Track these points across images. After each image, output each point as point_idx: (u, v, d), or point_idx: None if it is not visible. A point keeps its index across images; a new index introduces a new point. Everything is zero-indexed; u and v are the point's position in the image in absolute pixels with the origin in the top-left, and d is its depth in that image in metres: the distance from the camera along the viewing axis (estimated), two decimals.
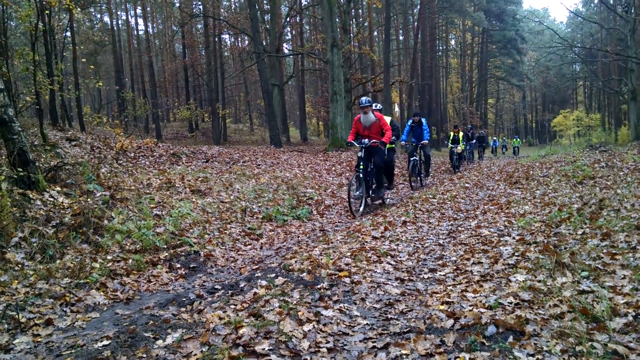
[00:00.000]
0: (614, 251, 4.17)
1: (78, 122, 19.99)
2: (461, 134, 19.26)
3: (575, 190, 8.40)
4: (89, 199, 6.16)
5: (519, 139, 38.63)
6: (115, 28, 35.41)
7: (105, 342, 3.06)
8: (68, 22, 19.37)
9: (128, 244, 5.40)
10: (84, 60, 29.13)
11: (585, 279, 3.64)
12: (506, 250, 4.83)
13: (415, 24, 35.53)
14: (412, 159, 12.81)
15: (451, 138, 19.27)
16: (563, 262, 3.98)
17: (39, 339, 3.20)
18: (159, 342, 3.04)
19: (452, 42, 58.17)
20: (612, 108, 51.32)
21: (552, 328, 2.85)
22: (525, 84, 59.16)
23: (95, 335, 3.23)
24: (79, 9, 19.01)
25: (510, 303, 3.31)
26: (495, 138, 39.44)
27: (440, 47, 50.89)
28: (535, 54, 58.18)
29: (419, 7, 35.34)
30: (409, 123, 13.64)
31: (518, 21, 50.89)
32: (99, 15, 41.83)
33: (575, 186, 8.97)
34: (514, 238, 5.37)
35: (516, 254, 4.63)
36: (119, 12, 41.55)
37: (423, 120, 13.39)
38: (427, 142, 13.11)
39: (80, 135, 13.38)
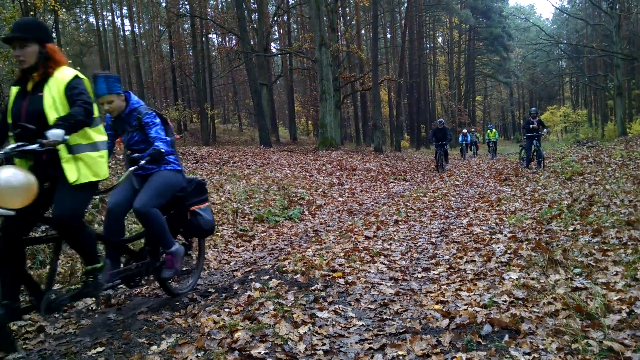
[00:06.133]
0: (605, 247, 4.21)
1: None
2: None
3: (565, 186, 8.47)
4: None
5: (494, 130, 25.93)
6: (101, 29, 35.13)
7: (99, 349, 3.03)
8: (53, 23, 19.16)
9: None
10: (70, 61, 28.79)
11: (578, 276, 3.67)
12: (498, 248, 4.86)
13: (403, 22, 35.58)
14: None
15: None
16: (555, 259, 4.01)
17: (31, 347, 3.16)
18: (154, 347, 3.01)
19: (440, 39, 58.30)
20: (598, 104, 51.77)
21: (547, 326, 2.86)
22: (513, 81, 59.46)
23: (88, 342, 3.19)
24: (64, 10, 18.82)
25: (505, 301, 3.33)
26: (465, 130, 28.14)
27: (428, 45, 51.00)
28: (521, 51, 58.45)
29: (406, 5, 35.41)
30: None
31: (504, 18, 51.12)
32: (84, 16, 41.42)
33: (565, 182, 9.05)
34: (505, 235, 5.41)
35: (508, 251, 4.66)
36: (104, 13, 41.11)
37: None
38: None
39: None
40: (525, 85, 65.13)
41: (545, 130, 13.20)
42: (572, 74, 50.81)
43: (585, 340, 2.60)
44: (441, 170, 17.14)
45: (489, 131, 25.87)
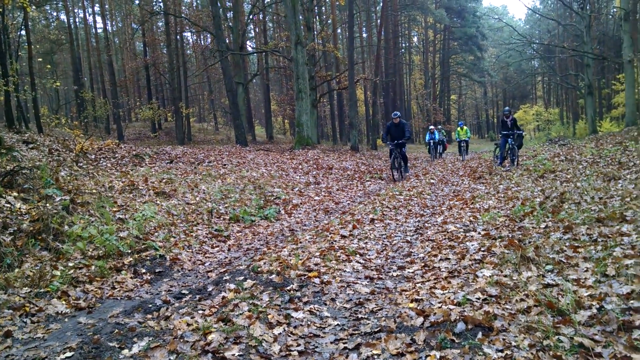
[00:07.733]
0: (576, 244, 4.28)
1: (35, 123, 19.33)
2: None
3: (537, 184, 8.59)
4: (47, 204, 5.95)
5: (465, 128, 21.88)
6: (72, 26, 34.39)
7: (69, 354, 2.95)
8: (22, 21, 18.72)
9: (90, 250, 5.24)
10: (40, 59, 28.30)
11: (549, 273, 3.72)
12: (472, 245, 4.90)
13: (379, 21, 35.75)
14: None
15: None
16: (528, 256, 4.05)
17: None
18: (125, 351, 2.95)
19: (415, 39, 58.84)
20: (569, 102, 52.92)
21: (519, 323, 2.89)
22: (486, 80, 60.28)
23: (57, 347, 3.11)
24: (33, 7, 18.41)
25: (478, 299, 3.35)
26: (432, 127, 23.72)
27: (403, 44, 51.41)
28: (495, 51, 59.43)
29: (381, 4, 35.59)
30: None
31: (478, 18, 51.79)
32: (55, 13, 40.56)
33: (537, 180, 9.18)
34: (479, 233, 5.46)
35: (482, 249, 4.70)
36: (76, 10, 40.37)
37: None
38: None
39: (38, 138, 12.94)
40: (499, 84, 66.16)
41: (519, 132, 13.16)
42: (544, 73, 51.73)
43: (557, 337, 2.64)
44: (398, 178, 13.56)
45: (459, 129, 22.01)
